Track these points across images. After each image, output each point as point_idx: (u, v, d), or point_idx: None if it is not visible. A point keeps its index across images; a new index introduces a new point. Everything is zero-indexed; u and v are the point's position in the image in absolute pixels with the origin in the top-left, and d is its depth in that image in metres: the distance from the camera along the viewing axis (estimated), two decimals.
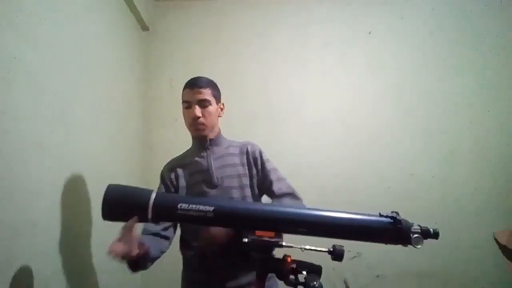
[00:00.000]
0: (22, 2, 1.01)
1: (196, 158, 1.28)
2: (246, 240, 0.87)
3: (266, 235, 0.88)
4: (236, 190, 1.22)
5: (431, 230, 0.90)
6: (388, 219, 0.90)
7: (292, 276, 0.85)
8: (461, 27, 2.10)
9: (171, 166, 1.31)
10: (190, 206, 0.90)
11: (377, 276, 1.95)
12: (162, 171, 1.32)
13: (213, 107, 1.25)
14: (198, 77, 1.27)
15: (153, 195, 0.92)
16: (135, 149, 1.99)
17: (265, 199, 1.32)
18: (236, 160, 1.27)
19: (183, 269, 1.31)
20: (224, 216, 0.92)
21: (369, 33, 2.13)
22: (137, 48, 2.03)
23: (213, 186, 1.22)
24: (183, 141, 2.12)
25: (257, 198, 1.27)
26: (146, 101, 2.13)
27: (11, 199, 0.93)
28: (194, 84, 1.24)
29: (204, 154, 1.27)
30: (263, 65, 2.14)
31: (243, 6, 2.20)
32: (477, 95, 2.05)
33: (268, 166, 1.28)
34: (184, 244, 1.28)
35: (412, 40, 2.12)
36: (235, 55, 2.16)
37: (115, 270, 1.65)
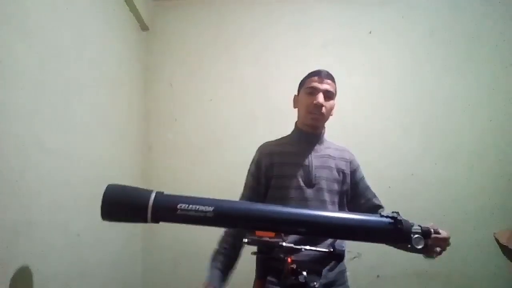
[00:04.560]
0: (22, 2, 1.01)
1: (298, 151, 1.24)
2: (246, 240, 0.87)
3: (266, 236, 0.88)
4: (329, 194, 1.20)
5: (432, 230, 0.90)
6: (389, 219, 0.90)
7: (292, 277, 0.85)
8: (461, 27, 2.09)
9: (270, 151, 1.26)
10: (190, 206, 0.89)
11: (378, 276, 1.95)
12: (260, 151, 1.28)
13: (333, 102, 1.24)
14: (325, 70, 1.26)
15: (153, 195, 0.91)
16: (135, 149, 1.99)
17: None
18: (334, 164, 1.24)
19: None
20: (224, 216, 0.92)
21: (370, 33, 2.13)
22: (136, 48, 2.03)
23: (310, 184, 1.19)
24: (183, 141, 2.14)
25: (343, 206, 1.25)
26: (145, 101, 2.13)
27: (11, 199, 0.93)
28: (323, 74, 1.24)
29: (307, 149, 1.24)
30: (263, 65, 2.14)
31: (243, 6, 2.20)
32: (477, 95, 2.04)
33: (365, 183, 1.29)
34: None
35: (413, 40, 2.11)
36: (235, 55, 2.16)
37: (114, 270, 1.65)
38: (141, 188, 0.97)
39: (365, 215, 0.95)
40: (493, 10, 2.08)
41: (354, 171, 1.28)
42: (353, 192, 1.27)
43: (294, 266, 0.85)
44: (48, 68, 1.12)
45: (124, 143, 1.81)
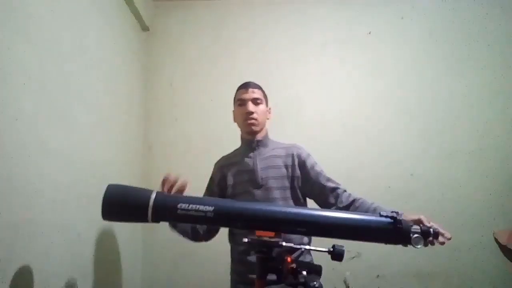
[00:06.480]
0: (22, 2, 1.01)
1: (244, 158, 1.35)
2: (245, 240, 0.87)
3: (266, 235, 0.88)
4: (279, 191, 1.28)
5: (431, 230, 0.91)
6: (388, 219, 0.90)
7: (292, 276, 0.85)
8: (461, 27, 2.10)
9: (221, 164, 1.40)
10: (190, 206, 0.90)
11: (377, 276, 1.95)
12: (215, 166, 1.43)
13: (263, 107, 1.37)
14: (251, 81, 1.40)
15: (153, 195, 0.92)
16: (135, 149, 1.99)
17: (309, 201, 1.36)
18: (281, 162, 1.32)
19: (231, 262, 1.36)
20: (224, 216, 0.92)
21: (369, 33, 2.13)
22: (137, 48, 2.03)
23: (257, 186, 1.28)
24: (183, 141, 2.14)
25: (298, 200, 1.31)
26: (146, 101, 2.13)
27: (11, 199, 0.94)
28: (247, 85, 1.37)
29: (251, 154, 1.34)
30: (263, 65, 2.14)
31: (243, 6, 2.20)
32: (477, 95, 2.05)
33: (316, 170, 1.32)
34: (235, 238, 1.32)
35: (412, 40, 2.11)
36: (234, 54, 2.16)
37: (115, 269, 1.66)
38: (142, 188, 0.98)
39: (364, 215, 0.95)
40: (493, 10, 2.08)
41: (303, 162, 1.33)
42: (307, 182, 1.32)
43: (294, 265, 0.85)
44: (48, 68, 1.13)
45: (124, 143, 1.81)
